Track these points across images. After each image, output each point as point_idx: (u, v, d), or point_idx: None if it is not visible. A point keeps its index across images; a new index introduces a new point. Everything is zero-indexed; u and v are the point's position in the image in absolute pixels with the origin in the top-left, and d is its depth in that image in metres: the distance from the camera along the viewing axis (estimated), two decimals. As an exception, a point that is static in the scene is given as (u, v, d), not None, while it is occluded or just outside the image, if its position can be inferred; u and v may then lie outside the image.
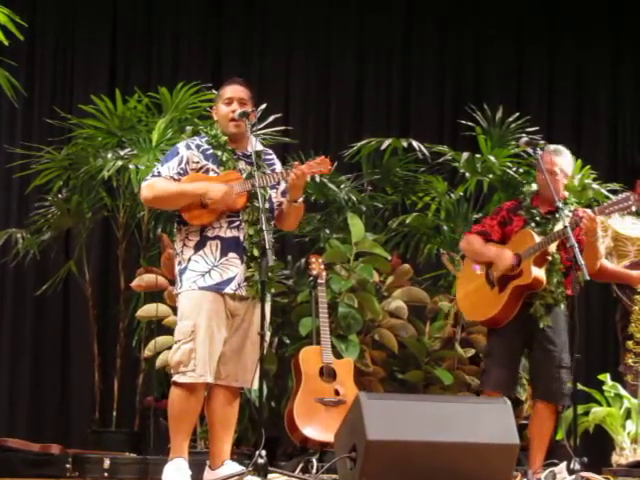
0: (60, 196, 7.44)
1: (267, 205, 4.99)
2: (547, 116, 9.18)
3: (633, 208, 5.47)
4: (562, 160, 5.79)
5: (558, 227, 5.65)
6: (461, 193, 7.74)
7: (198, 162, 5.00)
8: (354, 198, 7.75)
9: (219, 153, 5.02)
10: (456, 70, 9.23)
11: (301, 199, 5.04)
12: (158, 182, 4.96)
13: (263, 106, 7.38)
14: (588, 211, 5.47)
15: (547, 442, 5.77)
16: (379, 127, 8.66)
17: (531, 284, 5.62)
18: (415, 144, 7.77)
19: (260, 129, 7.34)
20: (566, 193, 5.87)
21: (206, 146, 5.04)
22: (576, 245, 5.23)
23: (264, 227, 4.75)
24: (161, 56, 8.61)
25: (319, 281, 6.62)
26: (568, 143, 8.68)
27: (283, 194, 5.12)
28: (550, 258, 5.66)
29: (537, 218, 5.77)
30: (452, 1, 9.22)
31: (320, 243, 7.64)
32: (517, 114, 7.83)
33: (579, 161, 7.64)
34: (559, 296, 5.69)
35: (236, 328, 4.97)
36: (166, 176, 4.95)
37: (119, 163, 7.00)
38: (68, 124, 7.48)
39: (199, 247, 4.95)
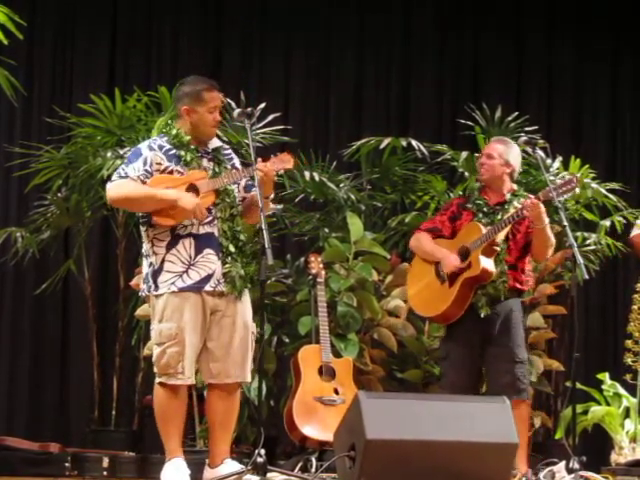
0: (59, 195, 7.45)
1: (229, 200, 4.99)
2: (546, 116, 9.17)
3: (577, 190, 5.52)
4: (505, 149, 5.78)
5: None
6: (460, 192, 7.74)
7: (161, 163, 4.94)
8: (353, 197, 7.75)
9: (182, 153, 4.98)
10: (456, 70, 9.22)
11: (272, 195, 5.05)
12: (127, 183, 4.90)
13: (262, 105, 7.39)
14: (531, 197, 5.45)
15: (525, 439, 5.67)
16: (378, 126, 8.65)
17: (480, 276, 5.57)
18: (414, 143, 7.78)
19: (260, 128, 7.38)
20: (515, 186, 5.85)
21: (168, 146, 4.99)
22: (575, 244, 5.22)
23: (263, 226, 4.74)
24: (160, 55, 8.59)
25: (318, 280, 6.62)
26: (568, 143, 8.83)
27: (245, 189, 5.11)
28: (498, 248, 5.62)
29: (484, 209, 5.75)
30: (452, 1, 9.21)
31: (319, 242, 7.64)
32: (516, 113, 7.84)
33: (578, 160, 7.66)
34: (500, 286, 5.64)
35: (217, 323, 4.94)
36: (133, 177, 4.90)
37: (118, 162, 6.98)
38: (67, 123, 7.49)
39: (171, 246, 4.90)
